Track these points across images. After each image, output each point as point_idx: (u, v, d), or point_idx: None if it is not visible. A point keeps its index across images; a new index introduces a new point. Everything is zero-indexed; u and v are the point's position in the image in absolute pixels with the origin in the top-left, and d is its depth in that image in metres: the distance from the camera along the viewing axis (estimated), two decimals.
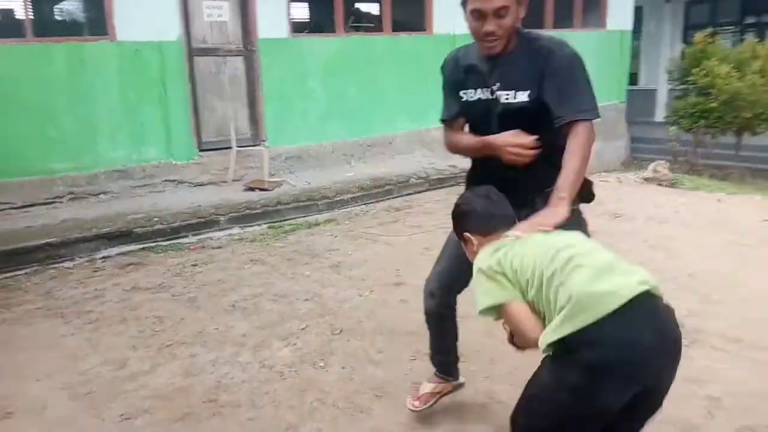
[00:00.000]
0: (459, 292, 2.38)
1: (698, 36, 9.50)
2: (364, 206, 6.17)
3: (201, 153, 6.70)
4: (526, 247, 1.68)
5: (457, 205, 1.96)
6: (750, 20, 13.82)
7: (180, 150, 6.54)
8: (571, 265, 1.57)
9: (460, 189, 2.31)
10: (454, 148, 2.35)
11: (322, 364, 3.00)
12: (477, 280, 1.73)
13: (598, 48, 10.52)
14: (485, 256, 1.73)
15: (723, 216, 5.69)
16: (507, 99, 2.08)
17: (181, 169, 6.48)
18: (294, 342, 3.25)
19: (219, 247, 4.96)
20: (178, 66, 6.42)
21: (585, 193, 2.08)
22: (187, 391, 2.82)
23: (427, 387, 2.55)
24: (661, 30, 14.38)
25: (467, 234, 1.86)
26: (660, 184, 7.16)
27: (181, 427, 2.56)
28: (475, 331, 2.93)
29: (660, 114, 13.30)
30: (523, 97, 2.05)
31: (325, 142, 7.45)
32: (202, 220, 5.37)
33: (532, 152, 2.00)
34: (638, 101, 13.16)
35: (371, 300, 3.79)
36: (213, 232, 5.31)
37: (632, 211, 5.77)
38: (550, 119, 2.00)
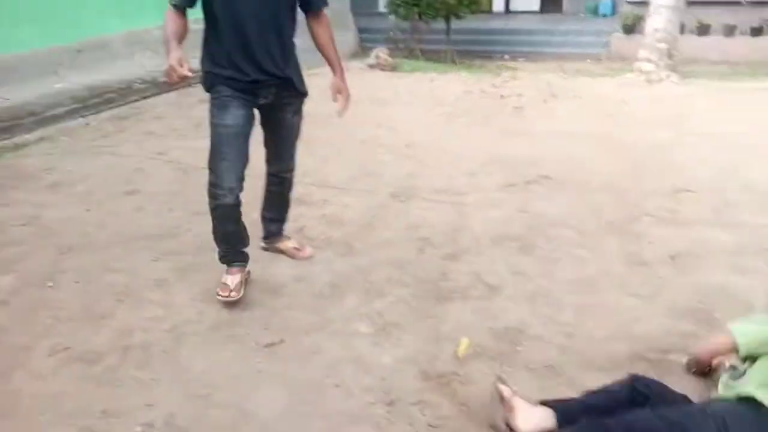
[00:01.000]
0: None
1: None
2: (82, 119, 5.56)
3: None
4: None
5: None
6: None
7: None
8: None
9: (195, 90, 2.29)
10: (165, 28, 2.34)
11: (51, 284, 2.78)
12: None
13: None
14: None
15: (435, 93, 6.40)
16: None
17: None
18: (15, 269, 2.93)
19: None
20: None
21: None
22: None
23: (236, 278, 2.57)
24: None
25: None
26: (383, 70, 7.70)
27: None
28: None
29: (383, 5, 14.06)
30: None
31: (21, 51, 6.38)
32: None
33: (178, 79, 2.21)
34: None
35: (101, 213, 3.55)
36: None
37: (358, 95, 6.09)
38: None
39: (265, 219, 2.96)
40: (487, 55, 12.50)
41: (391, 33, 10.65)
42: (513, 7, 14.99)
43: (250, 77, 2.41)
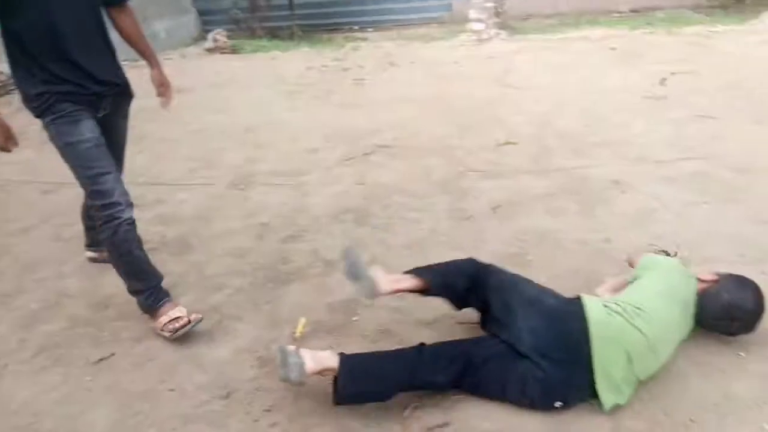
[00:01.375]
0: None
1: None
2: None
3: None
4: None
5: None
6: None
7: None
8: None
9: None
10: None
11: None
12: None
13: None
14: None
15: (277, 72, 6.30)
16: None
17: None
18: None
19: None
20: None
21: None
22: None
23: (178, 308, 2.31)
24: None
25: None
26: (223, 53, 7.45)
27: None
28: None
29: None
30: None
31: None
32: None
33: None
34: None
35: None
36: None
37: (194, 82, 5.93)
38: None
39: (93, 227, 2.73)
40: (336, 28, 12.48)
41: (232, 12, 10.27)
42: None
43: (90, 90, 2.19)
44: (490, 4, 6.94)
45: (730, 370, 1.90)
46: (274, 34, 10.44)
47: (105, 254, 2.69)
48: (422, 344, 1.91)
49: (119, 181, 2.24)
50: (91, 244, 2.83)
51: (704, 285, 1.94)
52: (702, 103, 4.01)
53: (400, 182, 3.51)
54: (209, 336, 2.33)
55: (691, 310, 1.92)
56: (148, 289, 2.33)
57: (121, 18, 2.41)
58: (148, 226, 3.21)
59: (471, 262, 2.10)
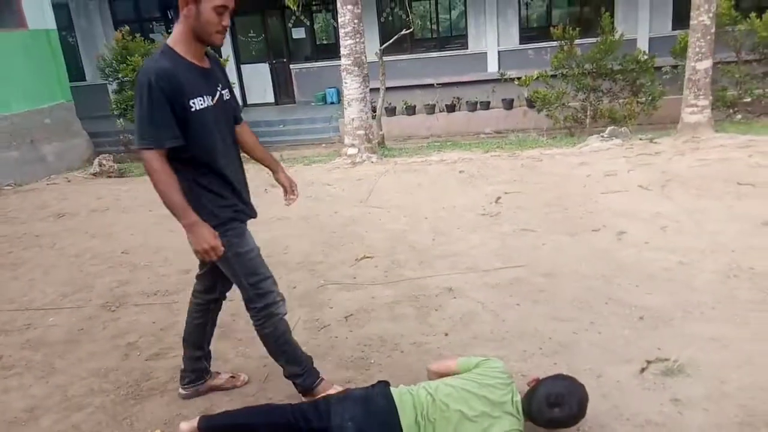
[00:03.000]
0: None
1: (117, 34, 10.26)
2: None
3: None
4: None
5: None
6: (173, 14, 15.56)
7: None
8: None
9: None
10: (162, 187, 2.18)
11: None
12: None
13: (25, 48, 10.18)
14: None
15: (153, 196, 6.59)
16: (225, 96, 2.35)
17: None
18: None
19: None
20: None
21: None
22: None
23: (333, 389, 2.58)
24: (93, 25, 14.77)
25: None
26: (109, 176, 7.67)
27: None
28: None
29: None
30: (227, 95, 2.37)
31: None
32: None
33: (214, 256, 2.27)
34: (89, 97, 13.37)
35: None
36: None
37: (76, 207, 6.11)
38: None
39: (199, 358, 2.76)
40: None
41: (121, 136, 10.60)
42: (250, 100, 15.96)
43: (243, 209, 2.46)
44: (360, 132, 7.73)
45: None
46: None
47: (208, 383, 2.82)
48: None
49: (275, 283, 2.53)
50: (193, 381, 2.79)
51: (529, 387, 2.30)
52: (526, 218, 4.75)
53: None
54: None
55: (507, 408, 2.23)
56: (304, 371, 2.62)
57: (243, 133, 2.56)
58: (15, 351, 3.34)
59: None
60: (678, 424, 2.36)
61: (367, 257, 4.36)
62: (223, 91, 2.33)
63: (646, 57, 10.25)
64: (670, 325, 3.07)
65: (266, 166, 2.70)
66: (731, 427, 2.33)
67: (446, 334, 3.20)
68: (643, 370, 2.72)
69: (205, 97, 2.21)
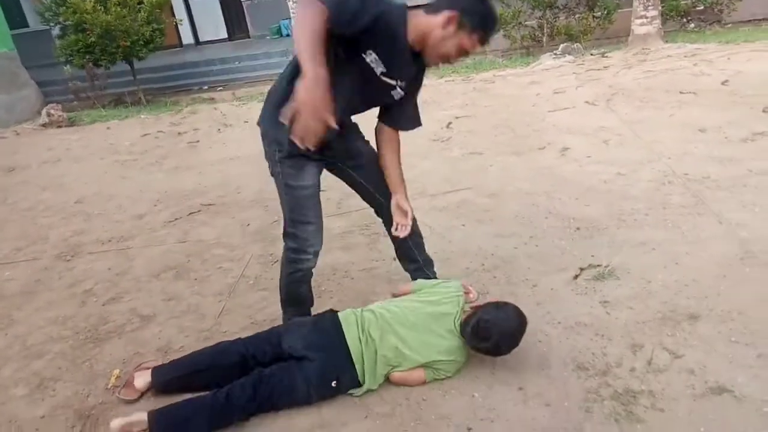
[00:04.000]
0: None
1: None
2: None
3: None
4: None
5: None
6: None
7: None
8: None
9: None
10: (300, 30, 1.81)
11: None
12: None
13: None
14: None
15: (111, 141, 6.50)
16: (396, 94, 2.17)
17: None
18: None
19: None
20: None
21: None
22: None
23: None
24: None
25: None
26: (59, 126, 7.49)
27: None
28: None
29: None
30: (396, 95, 2.18)
31: None
32: None
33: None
34: (34, 44, 12.80)
35: None
36: None
37: (27, 160, 6.00)
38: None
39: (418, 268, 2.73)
40: (184, 90, 12.72)
41: (71, 84, 10.23)
42: (202, 37, 15.43)
43: (323, 151, 2.29)
44: None
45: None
46: (119, 101, 10.52)
47: None
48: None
49: (320, 235, 2.39)
50: None
51: (466, 314, 2.35)
52: (474, 141, 4.82)
53: (220, 236, 3.91)
54: (29, 398, 2.57)
55: (448, 326, 2.33)
56: (296, 312, 2.58)
57: (389, 139, 2.40)
58: None
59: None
60: (605, 323, 2.54)
61: (321, 191, 4.41)
62: (398, 85, 2.14)
63: None
64: (605, 234, 3.22)
65: (388, 182, 2.48)
66: (654, 323, 2.51)
67: (394, 259, 3.30)
68: (576, 277, 2.88)
69: (383, 67, 2.05)
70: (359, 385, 2.30)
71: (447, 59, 2.07)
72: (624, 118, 4.83)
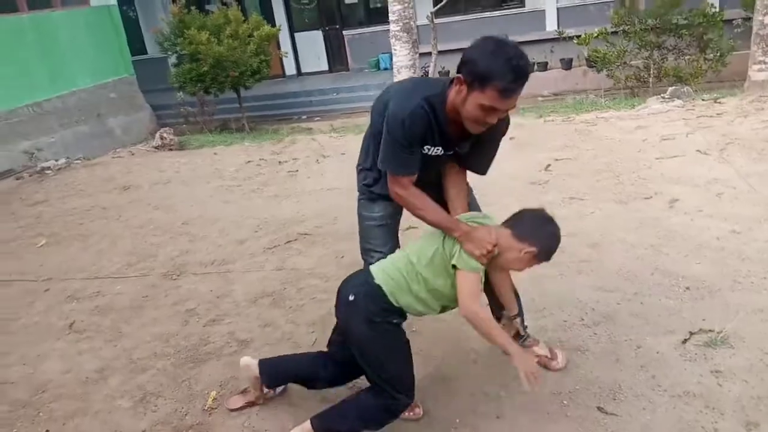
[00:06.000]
0: None
1: (173, 8, 10.51)
2: None
3: None
4: None
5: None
6: None
7: None
8: None
9: None
10: (417, 211, 2.23)
11: None
12: None
13: (88, 25, 10.62)
14: None
15: (217, 166, 6.86)
16: (460, 150, 2.25)
17: None
18: None
19: None
20: None
21: None
22: None
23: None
24: (152, 0, 15.16)
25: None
26: (171, 149, 8.00)
27: None
28: None
29: None
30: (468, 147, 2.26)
31: None
32: None
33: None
34: (151, 70, 13.82)
35: None
36: None
37: (140, 180, 6.44)
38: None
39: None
40: (285, 118, 13.30)
41: (182, 109, 10.97)
42: (304, 68, 16.11)
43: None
44: None
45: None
46: (224, 127, 11.15)
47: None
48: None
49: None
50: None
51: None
52: (575, 186, 4.68)
53: (315, 266, 4.00)
54: (133, 411, 2.72)
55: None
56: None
57: (456, 180, 2.40)
58: (86, 317, 3.63)
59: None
60: (716, 395, 2.36)
61: (412, 227, 4.43)
62: (463, 145, 2.23)
63: (714, 10, 9.66)
64: (717, 296, 3.01)
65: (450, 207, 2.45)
66: None
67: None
68: (685, 341, 2.70)
69: (438, 147, 2.19)
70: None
71: (477, 121, 2.01)
72: (740, 171, 4.53)
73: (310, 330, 3.24)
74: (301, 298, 3.62)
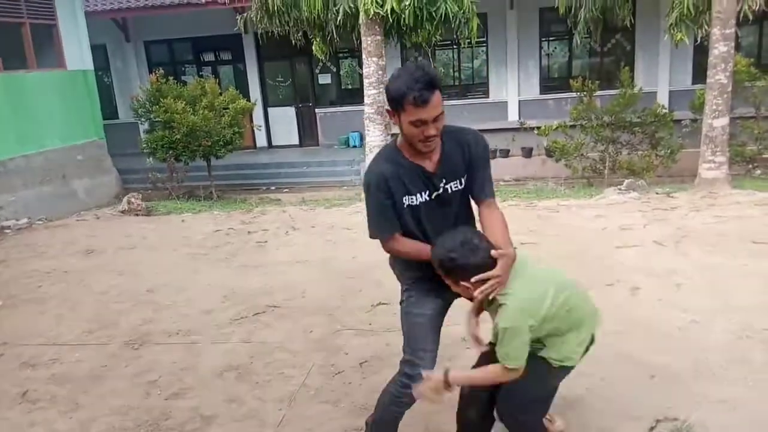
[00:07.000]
0: None
1: (152, 77, 10.70)
2: None
3: None
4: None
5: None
6: (206, 58, 16.15)
7: None
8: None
9: None
10: (414, 256, 2.31)
11: None
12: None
13: (62, 87, 10.68)
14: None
15: (185, 234, 6.80)
16: (453, 188, 2.29)
17: None
18: None
19: None
20: None
21: None
22: None
23: None
24: (129, 66, 15.39)
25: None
26: (137, 214, 7.92)
27: None
28: None
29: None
30: (459, 185, 2.30)
31: None
32: None
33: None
34: (121, 135, 13.83)
35: None
36: None
37: (104, 244, 6.32)
38: (466, 195, 2.34)
39: None
40: (254, 188, 13.37)
41: (150, 174, 10.93)
42: (275, 141, 16.36)
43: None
44: None
45: None
46: (192, 194, 11.12)
47: None
48: None
49: (431, 361, 2.41)
50: None
51: None
52: None
53: (282, 340, 3.95)
54: None
55: None
56: None
57: (484, 215, 2.35)
58: (41, 386, 3.47)
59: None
60: None
61: (383, 303, 4.45)
62: (448, 185, 2.29)
63: (665, 111, 10.38)
64: (682, 385, 3.09)
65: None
66: None
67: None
68: (651, 429, 2.75)
69: (421, 193, 2.27)
70: None
71: (419, 138, 2.13)
72: (695, 263, 4.76)
73: (278, 407, 3.17)
74: (268, 373, 3.55)
